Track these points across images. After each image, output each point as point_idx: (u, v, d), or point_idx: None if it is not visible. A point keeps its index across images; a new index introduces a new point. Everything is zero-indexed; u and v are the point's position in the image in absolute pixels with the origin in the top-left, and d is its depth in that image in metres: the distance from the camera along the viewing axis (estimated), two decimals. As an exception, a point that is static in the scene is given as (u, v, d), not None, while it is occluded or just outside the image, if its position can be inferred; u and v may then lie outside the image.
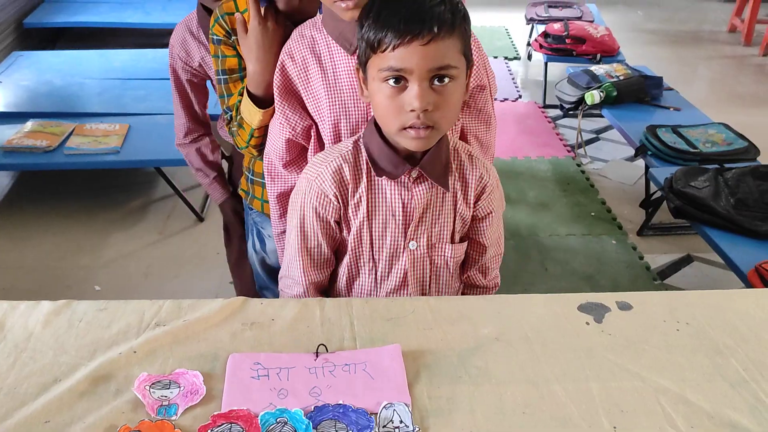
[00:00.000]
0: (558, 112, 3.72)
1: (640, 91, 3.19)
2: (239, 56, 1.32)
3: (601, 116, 3.31)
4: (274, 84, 1.21)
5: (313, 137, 1.23)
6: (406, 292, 1.20)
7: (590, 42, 3.79)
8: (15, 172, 3.11)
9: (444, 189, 1.14)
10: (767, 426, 0.90)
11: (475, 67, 1.15)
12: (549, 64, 3.98)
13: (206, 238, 2.80)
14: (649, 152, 2.74)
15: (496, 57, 4.76)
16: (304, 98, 1.21)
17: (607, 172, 3.34)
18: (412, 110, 0.99)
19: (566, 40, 3.83)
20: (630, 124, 2.99)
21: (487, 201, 1.19)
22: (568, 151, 3.52)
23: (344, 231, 1.17)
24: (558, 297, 1.15)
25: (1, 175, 3.10)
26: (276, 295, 1.36)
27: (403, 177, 1.11)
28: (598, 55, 3.76)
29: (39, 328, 1.05)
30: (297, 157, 1.27)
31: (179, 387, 0.94)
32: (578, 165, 3.39)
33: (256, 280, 1.59)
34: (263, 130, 1.29)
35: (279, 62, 1.21)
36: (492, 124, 1.30)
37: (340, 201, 1.13)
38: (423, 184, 1.12)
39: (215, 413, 0.90)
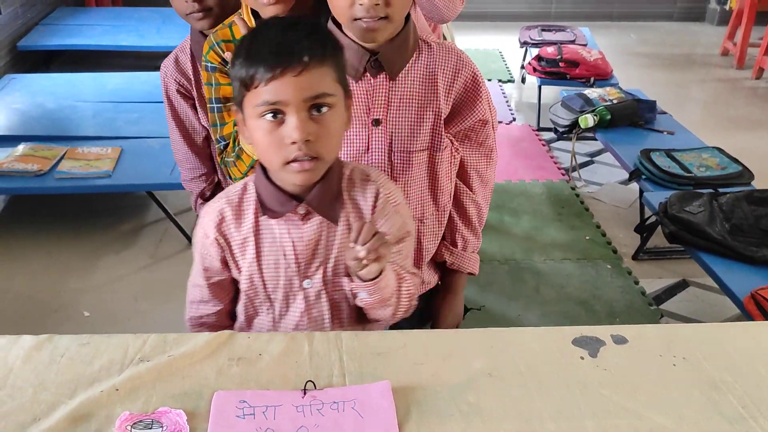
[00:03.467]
0: (552, 135, 3.72)
1: (634, 115, 3.20)
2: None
3: (595, 139, 3.31)
4: None
5: None
6: (305, 329, 1.16)
7: (584, 66, 3.80)
8: (5, 195, 3.09)
9: (333, 222, 1.09)
10: (767, 466, 0.88)
11: (479, 102, 1.22)
12: (543, 87, 3.99)
13: (198, 263, 2.77)
14: (644, 176, 2.73)
15: (490, 80, 4.78)
16: None
17: (602, 196, 3.33)
18: (293, 142, 0.98)
19: (560, 64, 3.84)
20: (624, 148, 2.99)
21: (386, 220, 1.12)
22: (563, 174, 3.52)
23: (234, 272, 1.14)
24: (552, 330, 1.13)
25: (-9, 199, 3.08)
26: None
27: (290, 214, 1.08)
28: (592, 79, 3.77)
29: (19, 364, 1.03)
30: None
31: (162, 427, 0.91)
32: (573, 188, 3.38)
33: None
34: None
35: None
36: (493, 158, 1.33)
37: (222, 244, 1.12)
38: (312, 220, 1.09)
39: (198, 455, 0.87)
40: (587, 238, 2.97)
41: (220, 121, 1.35)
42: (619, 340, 1.10)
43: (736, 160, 2.77)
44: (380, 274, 1.07)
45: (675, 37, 5.92)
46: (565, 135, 3.37)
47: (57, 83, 3.65)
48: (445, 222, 1.34)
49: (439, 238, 1.34)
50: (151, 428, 0.91)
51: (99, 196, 3.06)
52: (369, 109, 1.20)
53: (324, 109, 0.99)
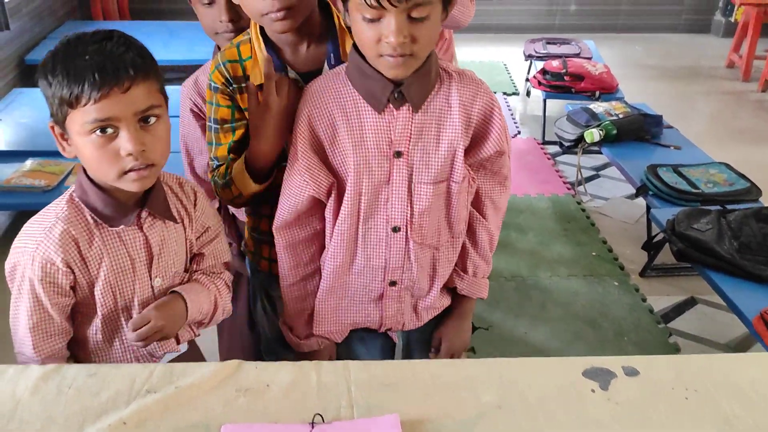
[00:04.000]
0: (557, 148, 3.71)
1: (640, 130, 3.19)
2: (233, 107, 1.28)
3: (601, 153, 3.30)
4: (298, 138, 1.19)
5: (333, 194, 1.22)
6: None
7: (589, 79, 3.80)
8: (13, 211, 3.09)
9: (173, 222, 1.18)
10: (781, 505, 0.87)
11: (497, 133, 1.22)
12: (548, 100, 3.99)
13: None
14: (651, 192, 2.72)
15: (495, 92, 4.74)
16: (330, 154, 1.20)
17: (608, 211, 3.32)
18: (129, 154, 1.03)
19: (565, 78, 3.84)
20: (630, 163, 2.98)
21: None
22: (568, 189, 3.51)
23: (80, 293, 1.13)
24: (562, 361, 1.12)
25: (-2, 214, 3.08)
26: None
27: (133, 221, 1.14)
28: (597, 92, 3.77)
29: (27, 396, 1.02)
30: (308, 211, 1.25)
31: (169, 462, 0.91)
32: (578, 203, 3.37)
33: (263, 343, 1.53)
34: (253, 197, 1.28)
35: (305, 116, 1.19)
36: (506, 186, 1.33)
37: (72, 264, 1.10)
38: (154, 223, 1.16)
39: (206, 492, 0.87)
40: (594, 254, 2.95)
41: (216, 141, 1.32)
42: (631, 372, 1.09)
43: (743, 176, 2.76)
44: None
45: (680, 49, 5.92)
46: (571, 149, 3.36)
47: (64, 97, 3.66)
48: (459, 248, 1.34)
49: (453, 264, 1.34)
50: (158, 464, 0.91)
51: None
52: (391, 141, 1.18)
53: (152, 120, 1.05)
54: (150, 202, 1.14)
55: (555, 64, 3.94)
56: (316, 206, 1.25)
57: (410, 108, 1.17)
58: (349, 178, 1.19)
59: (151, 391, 1.03)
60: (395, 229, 1.24)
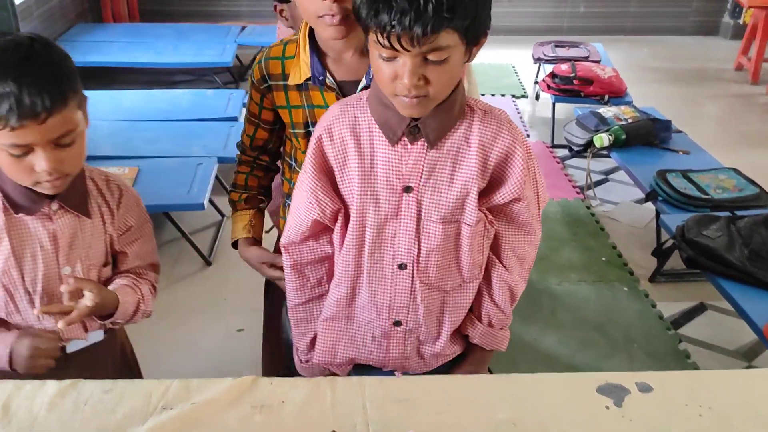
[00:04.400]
0: (566, 152, 3.71)
1: (649, 135, 3.18)
2: (260, 106, 1.38)
3: (610, 157, 3.30)
4: (309, 158, 1.17)
5: (340, 221, 1.19)
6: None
7: (598, 83, 3.79)
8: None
9: (86, 216, 1.22)
10: None
11: (516, 179, 1.14)
12: (557, 103, 3.98)
13: (214, 284, 2.78)
14: (660, 198, 2.72)
15: (503, 95, 4.78)
16: (338, 179, 1.17)
17: (617, 215, 3.32)
18: (44, 170, 1.07)
19: (574, 81, 3.84)
20: (639, 168, 2.97)
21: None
22: (577, 193, 3.51)
23: None
24: (576, 377, 1.13)
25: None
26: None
27: (45, 210, 1.18)
28: (606, 96, 3.76)
29: (44, 412, 1.03)
30: (316, 234, 1.23)
31: (187, 480, 0.92)
32: (588, 207, 3.37)
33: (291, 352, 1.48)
34: None
35: (317, 137, 1.17)
36: (530, 233, 1.24)
37: None
38: (67, 215, 1.20)
39: None
40: (603, 259, 2.95)
41: (246, 129, 1.45)
42: (644, 388, 1.09)
43: (752, 182, 2.75)
44: (114, 313, 1.22)
45: (688, 51, 5.90)
46: (580, 154, 3.36)
47: (74, 101, 3.68)
48: (474, 294, 1.27)
49: (466, 310, 1.28)
50: (176, 482, 0.92)
51: (115, 216, 3.08)
52: (402, 176, 1.14)
53: (68, 140, 1.08)
54: (63, 195, 1.17)
55: (564, 67, 3.93)
56: (326, 229, 1.23)
57: (425, 143, 1.12)
58: (354, 207, 1.16)
59: (167, 408, 1.04)
60: (401, 266, 1.19)
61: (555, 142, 4.01)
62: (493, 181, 1.17)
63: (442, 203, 1.15)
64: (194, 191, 2.80)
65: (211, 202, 3.01)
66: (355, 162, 1.15)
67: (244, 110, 3.84)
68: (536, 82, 4.59)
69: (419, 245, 1.17)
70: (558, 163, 3.85)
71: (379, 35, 0.98)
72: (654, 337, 2.48)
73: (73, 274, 1.21)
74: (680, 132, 3.31)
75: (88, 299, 1.16)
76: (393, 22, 0.94)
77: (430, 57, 0.99)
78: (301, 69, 1.28)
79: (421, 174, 1.13)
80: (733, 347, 2.45)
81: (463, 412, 1.04)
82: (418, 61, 0.99)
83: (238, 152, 1.51)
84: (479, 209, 1.17)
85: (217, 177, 3.02)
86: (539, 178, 1.23)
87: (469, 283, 1.24)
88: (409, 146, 1.12)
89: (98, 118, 3.43)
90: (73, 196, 1.19)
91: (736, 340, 2.48)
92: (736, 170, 2.85)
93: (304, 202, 1.19)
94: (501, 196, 1.17)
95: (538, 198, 1.23)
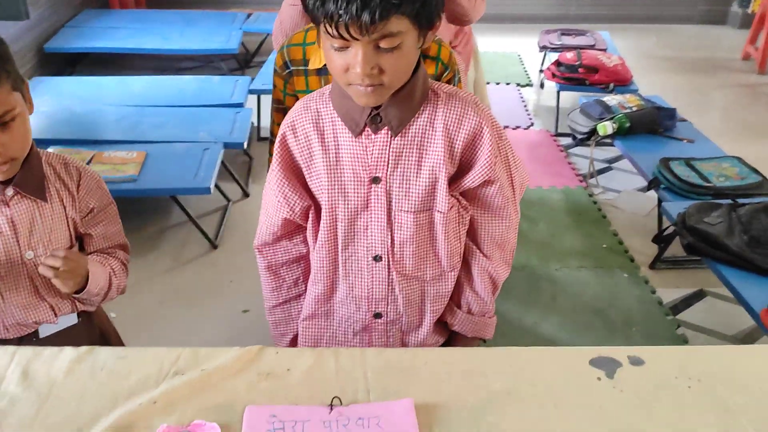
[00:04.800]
0: (570, 140, 3.73)
1: (653, 123, 3.20)
2: (284, 92, 1.41)
3: (613, 145, 3.32)
4: (274, 158, 1.18)
5: (311, 218, 1.20)
6: (39, 298, 1.28)
7: (603, 71, 3.81)
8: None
9: (43, 200, 1.23)
10: (778, 490, 0.91)
11: (485, 161, 1.12)
12: (561, 92, 4.00)
13: (220, 266, 2.83)
14: (662, 185, 2.75)
15: (508, 83, 4.79)
16: (306, 175, 1.18)
17: (619, 203, 3.35)
18: None
19: (579, 70, 3.85)
20: (642, 156, 3.00)
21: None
22: (580, 181, 3.53)
23: None
24: (570, 350, 1.17)
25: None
26: None
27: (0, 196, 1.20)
28: (611, 85, 3.78)
29: (62, 377, 1.08)
30: (288, 234, 1.25)
31: (197, 440, 0.96)
32: (590, 195, 3.40)
33: None
34: None
35: (280, 135, 1.17)
36: (505, 217, 1.22)
37: None
38: (24, 200, 1.22)
39: (232, 468, 0.92)
40: (604, 246, 2.98)
41: (274, 119, 1.46)
42: (636, 362, 1.13)
43: (755, 170, 2.78)
44: (84, 287, 1.23)
45: (696, 40, 5.89)
46: (584, 142, 3.39)
47: (83, 86, 3.73)
48: (453, 282, 1.26)
49: (447, 298, 1.27)
50: (186, 444, 0.96)
51: (123, 199, 3.12)
52: (368, 166, 1.13)
53: (9, 120, 1.09)
54: (18, 180, 1.19)
55: (569, 56, 3.95)
56: (299, 229, 1.23)
57: (388, 132, 1.10)
58: (324, 202, 1.16)
59: (179, 374, 1.09)
60: (376, 258, 1.19)
61: (559, 131, 4.03)
62: (462, 165, 1.15)
63: (411, 192, 1.14)
64: (201, 176, 2.84)
65: (217, 186, 3.06)
66: (321, 156, 1.14)
67: (249, 96, 3.90)
68: (541, 71, 4.60)
69: (392, 236, 1.17)
70: (561, 151, 3.87)
71: (327, 25, 0.95)
72: (652, 322, 2.52)
73: (36, 258, 1.24)
74: (685, 121, 3.33)
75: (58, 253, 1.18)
76: (340, 11, 0.92)
77: (382, 44, 0.97)
78: (321, 54, 1.29)
79: (388, 164, 1.12)
80: (731, 332, 2.49)
81: (461, 381, 1.08)
82: (369, 50, 0.97)
83: (271, 145, 1.49)
84: (451, 195, 1.16)
85: (222, 162, 3.06)
86: (513, 159, 1.19)
87: (449, 272, 1.24)
88: (373, 136, 1.11)
89: (107, 104, 3.49)
90: (29, 181, 1.21)
91: (734, 326, 2.51)
92: (739, 159, 2.88)
93: (273, 202, 1.20)
94: (471, 179, 1.15)
95: (512, 180, 1.20)
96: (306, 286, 1.28)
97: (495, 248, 1.25)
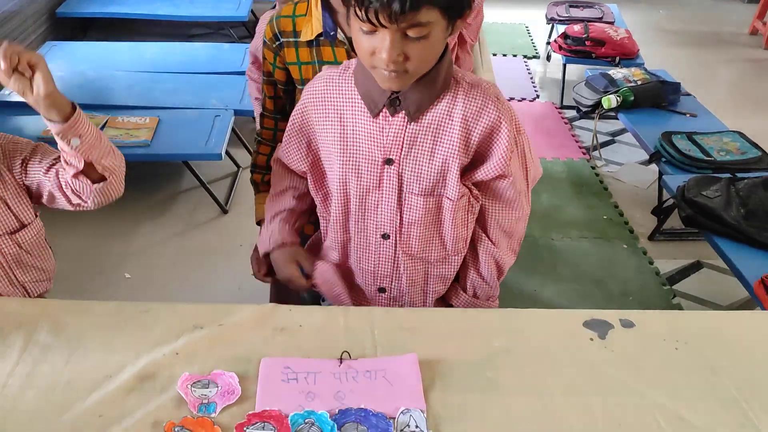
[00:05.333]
0: (574, 113, 3.76)
1: (658, 97, 3.23)
2: (274, 65, 1.41)
3: (617, 118, 3.36)
4: (292, 118, 1.25)
5: (310, 181, 1.28)
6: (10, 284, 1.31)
7: (610, 44, 3.82)
8: (48, 160, 3.22)
9: None
10: (753, 443, 0.98)
11: (500, 156, 1.14)
12: (568, 64, 4.02)
13: (230, 230, 2.90)
14: (664, 159, 2.79)
15: (515, 55, 4.79)
16: (321, 147, 1.23)
17: (621, 176, 3.39)
18: None
19: (586, 42, 3.86)
20: (646, 129, 3.03)
21: None
22: (583, 153, 3.58)
23: None
24: (565, 312, 1.24)
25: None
26: None
27: None
28: (618, 58, 3.79)
29: (90, 329, 1.16)
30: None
31: (217, 387, 1.04)
32: (593, 167, 3.44)
33: None
34: None
35: (301, 103, 1.22)
36: (517, 208, 1.25)
37: None
38: None
39: (250, 412, 1.00)
40: (605, 217, 3.05)
41: (266, 93, 1.48)
42: (627, 324, 1.20)
43: (756, 145, 2.82)
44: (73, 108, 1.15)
45: (704, 14, 5.85)
46: (588, 115, 3.42)
47: (96, 51, 3.76)
48: (458, 266, 1.30)
49: (450, 281, 1.32)
50: (208, 387, 1.04)
51: (136, 164, 3.18)
52: (383, 147, 1.15)
53: None
54: None
55: (576, 28, 3.95)
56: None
57: (405, 116, 1.12)
58: (336, 176, 1.20)
59: (198, 327, 1.16)
60: (384, 236, 1.23)
61: (564, 103, 4.05)
62: (477, 157, 1.16)
63: (422, 176, 1.16)
64: (212, 142, 2.90)
65: (227, 153, 3.11)
66: (338, 131, 1.17)
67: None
68: (548, 43, 4.61)
69: (401, 216, 1.20)
70: (566, 123, 3.91)
71: (357, 9, 0.96)
72: (649, 291, 2.59)
73: None
74: (689, 95, 3.36)
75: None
76: None
77: (410, 33, 0.97)
78: (312, 25, 1.32)
79: (402, 147, 1.14)
80: (725, 303, 2.56)
81: (462, 340, 1.16)
82: (397, 37, 0.97)
83: (257, 135, 1.54)
84: (463, 184, 1.18)
85: (233, 129, 3.11)
86: (529, 153, 1.21)
87: (453, 256, 1.27)
88: (390, 118, 1.13)
89: (119, 69, 3.52)
90: None
91: (728, 296, 2.58)
92: (740, 133, 2.91)
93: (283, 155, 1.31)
94: (484, 173, 1.17)
95: (527, 174, 1.23)
96: (302, 206, 1.36)
97: (503, 236, 1.28)
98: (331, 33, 1.32)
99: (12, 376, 1.06)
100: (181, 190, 3.17)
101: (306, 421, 0.99)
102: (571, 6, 4.49)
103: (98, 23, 4.70)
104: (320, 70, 1.36)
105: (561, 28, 4.16)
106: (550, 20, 4.46)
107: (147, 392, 1.04)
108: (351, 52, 1.33)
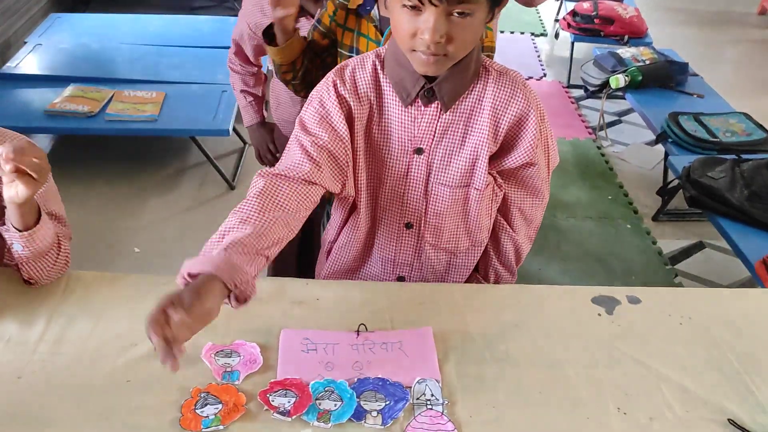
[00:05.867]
0: (581, 92, 3.77)
1: (665, 77, 3.24)
2: (332, 17, 1.41)
3: (624, 99, 3.37)
4: (316, 101, 1.14)
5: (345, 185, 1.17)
6: None
7: (619, 23, 3.81)
8: (55, 135, 3.24)
9: None
10: (755, 414, 1.02)
11: (528, 144, 1.14)
12: (575, 43, 4.01)
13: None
14: (670, 140, 2.81)
15: (522, 33, 4.78)
16: (348, 135, 1.13)
17: (627, 156, 3.42)
18: None
19: (595, 20, 3.85)
20: (652, 110, 3.05)
21: None
22: (590, 133, 3.59)
23: None
24: (574, 289, 1.27)
25: (42, 138, 3.23)
26: None
27: None
28: (626, 37, 3.78)
29: (113, 299, 1.19)
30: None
31: (240, 356, 1.08)
32: (598, 147, 3.46)
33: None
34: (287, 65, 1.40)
35: (331, 81, 1.13)
36: (539, 197, 1.26)
37: None
38: None
39: (272, 380, 1.04)
40: (609, 197, 3.07)
41: (315, 38, 1.46)
42: (633, 300, 1.24)
43: (761, 127, 2.84)
44: (36, 223, 1.11)
45: (713, -8, 5.82)
46: (595, 94, 3.43)
47: (99, 24, 3.75)
48: (479, 255, 1.31)
49: (470, 270, 1.32)
50: (231, 356, 1.08)
51: (144, 139, 3.21)
52: (414, 137, 1.15)
53: None
54: None
55: (586, 5, 3.94)
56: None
57: (439, 106, 1.11)
58: (362, 163, 1.17)
59: (218, 299, 1.20)
60: (408, 226, 1.23)
61: (571, 82, 4.06)
62: (504, 145, 1.17)
63: (452, 166, 1.16)
64: (219, 117, 2.91)
65: (234, 129, 3.13)
66: (366, 117, 1.14)
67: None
68: (557, 20, 4.59)
69: (427, 206, 1.20)
70: (573, 103, 3.91)
71: None
72: (652, 270, 2.64)
73: None
74: (696, 75, 3.36)
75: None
76: None
77: (456, 11, 0.96)
78: None
79: (434, 137, 1.14)
80: (726, 283, 2.61)
81: (475, 314, 1.19)
82: (442, 17, 0.96)
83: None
84: (488, 173, 1.18)
85: (240, 104, 3.12)
86: (551, 141, 1.22)
87: (477, 247, 1.29)
88: (423, 108, 1.12)
89: (123, 42, 3.52)
90: None
91: (730, 276, 2.62)
92: (746, 115, 2.93)
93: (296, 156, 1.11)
94: (512, 161, 1.18)
95: (549, 161, 1.23)
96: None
97: (523, 224, 1.30)
98: (367, 8, 1.35)
99: (41, 342, 1.09)
100: (189, 165, 3.19)
101: (326, 389, 1.03)
102: (579, -16, 4.47)
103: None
104: (356, 40, 1.38)
105: (570, 6, 4.15)
106: (559, -2, 4.44)
107: (172, 360, 1.07)
108: (378, 31, 1.34)
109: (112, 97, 3.00)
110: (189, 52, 3.44)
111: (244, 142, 3.35)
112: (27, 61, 3.30)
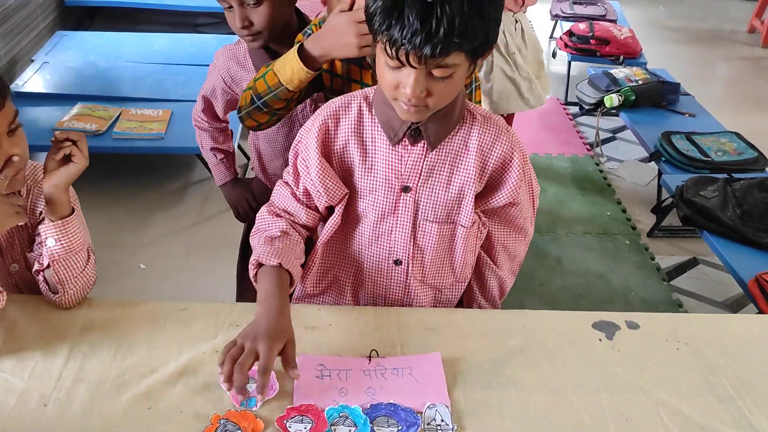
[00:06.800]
0: (578, 109, 3.84)
1: (658, 96, 3.32)
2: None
3: (618, 116, 3.44)
4: (312, 143, 1.19)
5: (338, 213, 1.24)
6: None
7: (614, 43, 3.89)
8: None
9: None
10: (748, 437, 1.08)
11: (512, 184, 1.21)
12: (572, 62, 4.08)
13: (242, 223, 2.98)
14: (663, 158, 2.88)
15: (519, 49, 4.85)
16: (336, 166, 1.21)
17: (622, 172, 3.48)
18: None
19: (591, 41, 3.93)
20: (646, 128, 3.12)
21: None
22: (588, 149, 3.66)
23: None
24: (575, 314, 1.33)
25: (47, 154, 3.27)
26: None
27: None
28: (621, 57, 3.86)
29: (130, 326, 1.24)
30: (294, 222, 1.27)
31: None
32: (597, 164, 3.53)
33: None
34: (284, 99, 1.31)
35: (322, 121, 1.20)
36: (523, 234, 1.34)
37: None
38: None
39: (289, 407, 1.09)
40: (608, 213, 3.14)
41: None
42: (632, 326, 1.29)
43: (752, 146, 2.91)
44: (71, 214, 1.20)
45: (703, 11, 5.92)
46: (590, 112, 3.50)
47: (105, 42, 3.81)
48: (463, 290, 1.37)
49: (454, 305, 1.38)
50: (248, 383, 1.12)
51: (150, 156, 3.26)
52: (401, 175, 1.19)
53: (16, 127, 1.12)
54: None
55: (582, 26, 4.02)
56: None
57: (425, 145, 1.16)
58: (353, 202, 1.23)
59: (234, 325, 1.24)
60: (397, 262, 1.27)
61: (569, 100, 4.13)
62: (489, 185, 1.23)
63: (438, 204, 1.21)
64: (224, 135, 2.96)
65: (238, 147, 3.18)
66: (356, 156, 1.20)
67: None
68: (551, 38, 4.67)
69: (414, 243, 1.25)
70: (571, 120, 3.98)
71: (388, 47, 0.99)
72: (650, 287, 2.69)
73: (19, 270, 1.29)
74: (688, 95, 3.44)
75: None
76: (403, 40, 0.96)
77: (436, 73, 1.00)
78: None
79: (420, 175, 1.19)
80: (721, 299, 2.67)
81: (481, 339, 1.24)
82: (422, 75, 1.01)
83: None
84: (476, 212, 1.24)
85: (244, 122, 3.17)
86: (534, 181, 1.30)
87: (461, 282, 1.35)
88: (410, 147, 1.17)
89: (130, 60, 3.57)
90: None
91: (724, 293, 2.68)
92: (737, 134, 3.00)
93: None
94: (497, 200, 1.24)
95: (533, 200, 1.31)
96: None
97: (506, 259, 1.36)
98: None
99: (65, 370, 1.14)
100: (192, 181, 3.24)
101: (341, 414, 1.07)
102: (574, 2, 4.56)
103: (103, 12, 4.72)
104: (345, 86, 1.39)
105: (566, 25, 4.23)
106: (555, 17, 4.52)
107: (191, 387, 1.12)
108: (375, 77, 1.38)
109: (119, 115, 3.05)
110: (194, 70, 3.49)
111: (248, 158, 3.40)
112: (34, 80, 3.35)
